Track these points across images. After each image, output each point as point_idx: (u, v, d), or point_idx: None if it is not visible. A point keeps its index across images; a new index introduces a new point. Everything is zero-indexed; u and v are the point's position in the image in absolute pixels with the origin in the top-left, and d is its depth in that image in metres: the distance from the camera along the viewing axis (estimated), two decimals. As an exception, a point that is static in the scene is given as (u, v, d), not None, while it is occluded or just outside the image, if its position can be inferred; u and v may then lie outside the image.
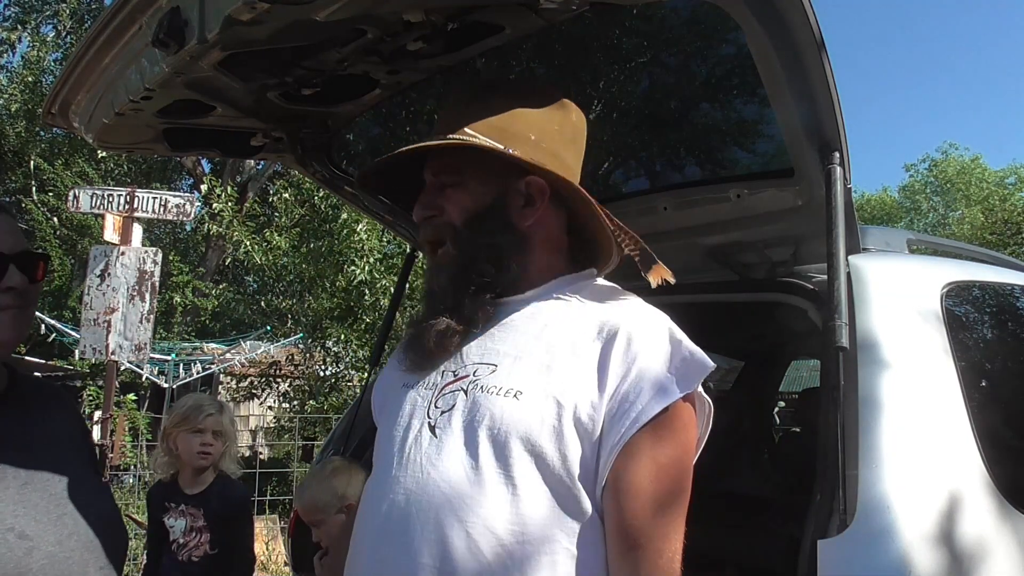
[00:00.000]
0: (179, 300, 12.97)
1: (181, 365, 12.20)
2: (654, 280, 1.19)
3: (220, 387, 13.01)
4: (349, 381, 9.09)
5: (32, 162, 15.33)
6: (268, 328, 11.71)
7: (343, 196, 2.27)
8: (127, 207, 5.25)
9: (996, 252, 3.02)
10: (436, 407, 1.09)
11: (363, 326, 8.20)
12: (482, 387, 1.07)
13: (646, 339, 1.05)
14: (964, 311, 1.80)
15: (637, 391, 1.01)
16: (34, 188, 15.25)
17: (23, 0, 15.64)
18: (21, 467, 1.12)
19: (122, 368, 8.90)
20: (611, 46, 1.89)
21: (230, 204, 9.38)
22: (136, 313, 5.07)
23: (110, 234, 5.19)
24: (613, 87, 1.99)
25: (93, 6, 15.28)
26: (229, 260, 15.73)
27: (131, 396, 9.66)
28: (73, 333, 9.82)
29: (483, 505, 0.99)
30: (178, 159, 15.86)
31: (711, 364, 1.06)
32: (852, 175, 1.51)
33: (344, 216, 7.97)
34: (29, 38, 15.28)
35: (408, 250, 2.58)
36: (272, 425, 11.81)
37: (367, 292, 7.95)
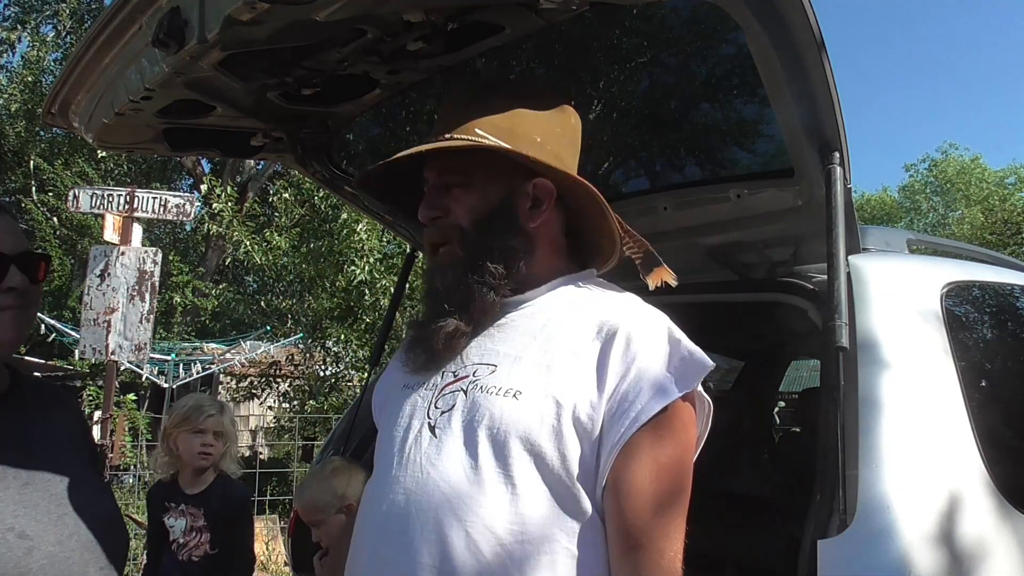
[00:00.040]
0: (179, 300, 12.96)
1: (181, 365, 12.19)
2: (652, 283, 1.20)
3: (220, 387, 13.01)
4: (349, 381, 9.09)
5: (32, 162, 15.32)
6: (268, 328, 11.70)
7: (343, 196, 2.27)
8: (127, 207, 5.25)
9: (996, 252, 3.02)
10: (436, 407, 1.09)
11: (363, 326, 8.20)
12: (482, 387, 1.07)
13: (645, 339, 1.05)
14: (964, 311, 1.80)
15: (636, 390, 1.01)
16: (34, 188, 15.25)
17: (23, 0, 15.64)
18: (22, 467, 1.12)
19: (122, 368, 8.90)
20: (611, 46, 1.89)
21: (230, 204, 9.38)
22: (136, 313, 5.07)
23: (110, 234, 5.19)
24: (613, 87, 1.99)
25: (93, 6, 15.28)
26: (229, 260, 15.73)
27: (131, 396, 9.66)
28: (73, 333, 9.82)
29: (482, 505, 0.99)
30: (178, 159, 15.85)
31: (710, 363, 1.06)
32: (852, 175, 1.51)
33: (344, 216, 7.97)
34: (29, 38, 15.28)
35: (408, 250, 2.58)
36: (272, 425, 11.81)
37: (367, 292, 7.94)
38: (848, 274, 1.46)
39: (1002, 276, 2.05)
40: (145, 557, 2.55)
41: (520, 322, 1.13)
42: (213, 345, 13.94)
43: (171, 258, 11.95)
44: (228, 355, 12.77)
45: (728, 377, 4.40)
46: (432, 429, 1.07)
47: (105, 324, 5.01)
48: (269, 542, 6.28)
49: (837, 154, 1.44)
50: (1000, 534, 1.31)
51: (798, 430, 5.04)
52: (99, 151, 12.41)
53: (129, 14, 1.33)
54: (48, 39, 15.43)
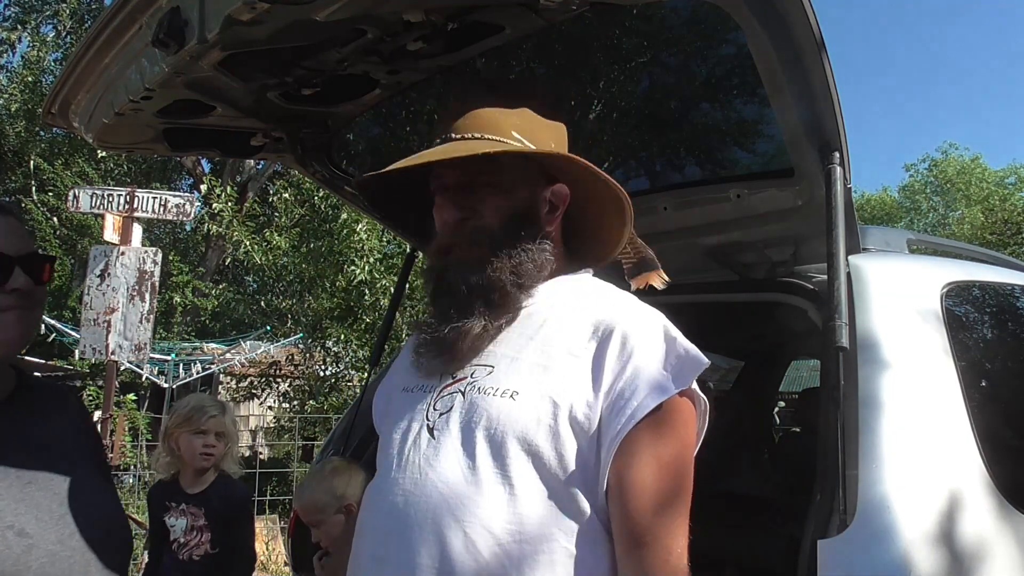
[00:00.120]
0: (179, 300, 12.96)
1: (181, 365, 12.20)
2: (635, 285, 1.21)
3: (220, 387, 13.01)
4: (349, 381, 9.09)
5: (32, 162, 15.33)
6: (268, 328, 11.70)
7: (343, 196, 2.27)
8: (127, 207, 5.26)
9: (996, 252, 3.02)
10: (435, 409, 1.09)
11: (363, 326, 8.20)
12: (479, 388, 1.07)
13: (641, 337, 1.06)
14: (964, 311, 1.80)
15: (632, 388, 1.02)
16: (34, 188, 15.25)
17: (23, 0, 15.65)
18: (25, 467, 1.13)
19: (122, 368, 8.90)
20: (611, 46, 1.89)
21: (230, 204, 9.37)
22: (136, 313, 5.07)
23: (110, 234, 5.19)
24: (613, 87, 1.99)
25: (93, 6, 15.28)
26: (229, 260, 15.73)
27: (131, 396, 9.65)
28: (73, 333, 9.83)
29: (480, 505, 0.99)
30: (178, 159, 15.86)
31: (706, 361, 1.06)
32: (852, 175, 1.51)
33: (344, 216, 7.96)
34: (29, 38, 15.28)
35: (408, 250, 2.58)
36: (272, 425, 11.81)
37: (367, 292, 7.94)
38: (848, 274, 1.46)
39: (1002, 276, 2.05)
40: (146, 557, 2.55)
41: (517, 322, 1.13)
42: (213, 345, 13.94)
43: (171, 258, 11.94)
44: (228, 355, 12.78)
45: (728, 377, 4.40)
46: (431, 431, 1.07)
47: (105, 324, 5.01)
48: (269, 542, 6.28)
49: (837, 154, 1.44)
50: (1000, 534, 1.31)
51: (798, 430, 5.04)
52: (99, 151, 12.41)
53: (129, 14, 1.33)
54: (48, 39, 15.43)
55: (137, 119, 1.64)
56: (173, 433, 2.39)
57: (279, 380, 10.65)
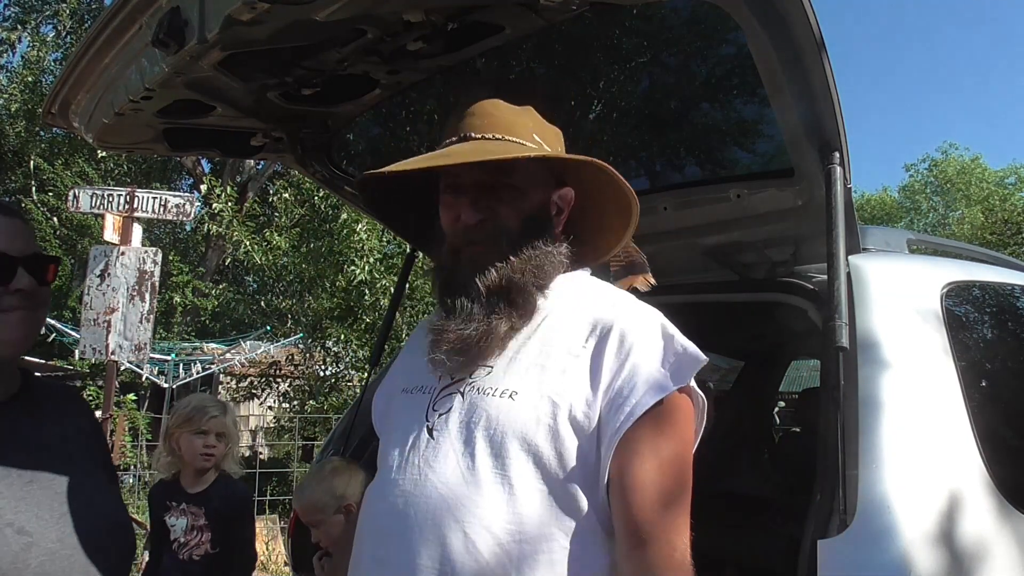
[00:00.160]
0: (179, 300, 12.96)
1: (181, 365, 12.19)
2: (620, 287, 1.22)
3: (220, 387, 13.00)
4: (349, 381, 9.09)
5: (32, 162, 15.33)
6: (268, 328, 11.70)
7: (343, 196, 2.27)
8: (127, 207, 5.25)
9: (996, 252, 3.02)
10: (434, 410, 1.10)
11: (363, 326, 8.20)
12: (478, 389, 1.07)
13: (639, 335, 1.06)
14: (964, 311, 1.80)
15: (631, 386, 1.02)
16: (34, 188, 15.26)
17: (23, 0, 15.65)
18: (28, 466, 1.14)
19: (122, 368, 8.89)
20: (611, 46, 1.89)
21: (230, 204, 9.37)
22: (136, 313, 5.07)
23: (110, 234, 5.19)
24: (613, 87, 1.99)
25: (93, 6, 15.28)
26: (229, 260, 15.73)
27: (131, 396, 9.64)
28: (73, 333, 9.83)
29: (480, 506, 0.99)
30: (178, 159, 15.85)
31: (704, 358, 1.07)
32: (852, 175, 1.51)
33: (344, 216, 7.96)
34: (29, 38, 15.28)
35: (408, 250, 2.58)
36: (272, 425, 11.81)
37: (367, 292, 7.94)
38: (848, 274, 1.46)
39: (1002, 276, 2.05)
40: (146, 556, 2.55)
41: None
42: (213, 345, 13.94)
43: (171, 258, 11.93)
44: (228, 355, 12.77)
45: (728, 377, 4.40)
46: (430, 432, 1.07)
47: (105, 324, 5.01)
48: (269, 542, 6.28)
49: (837, 154, 1.44)
50: (1000, 534, 1.31)
51: (798, 430, 5.04)
52: (99, 151, 12.40)
53: (129, 14, 1.33)
54: (48, 39, 15.43)
55: (137, 119, 1.64)
56: (174, 433, 2.39)
57: (279, 380, 10.64)
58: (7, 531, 1.06)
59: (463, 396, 1.08)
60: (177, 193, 7.14)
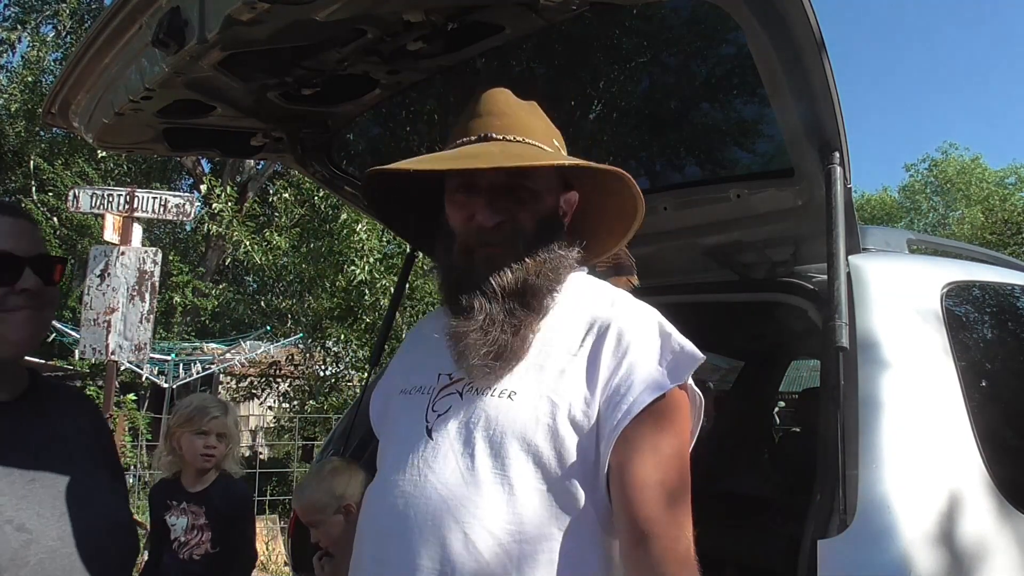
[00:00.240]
0: (179, 300, 12.95)
1: (181, 365, 12.18)
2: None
3: (220, 387, 13.00)
4: (349, 381, 9.09)
5: (32, 162, 15.32)
6: (268, 328, 11.70)
7: (343, 196, 2.27)
8: (127, 207, 5.25)
9: (996, 252, 3.02)
10: (433, 411, 1.09)
11: (363, 326, 8.20)
12: (477, 389, 1.07)
13: (637, 334, 1.06)
14: (964, 311, 1.80)
15: (628, 384, 1.02)
16: (34, 188, 15.25)
17: (23, 0, 15.65)
18: (31, 465, 1.14)
19: (122, 368, 8.89)
20: (611, 46, 1.89)
21: (230, 204, 9.37)
22: (136, 313, 5.07)
23: (110, 234, 5.19)
24: (613, 87, 1.99)
25: (93, 6, 15.28)
26: (229, 260, 15.73)
27: (131, 396, 9.62)
28: (73, 333, 9.82)
29: (480, 506, 1.00)
30: (178, 159, 15.85)
31: (701, 356, 1.07)
32: (852, 175, 1.51)
33: (344, 216, 7.96)
34: (29, 38, 15.27)
35: (408, 250, 2.58)
36: (272, 425, 11.81)
37: (367, 292, 7.94)
38: (848, 274, 1.46)
39: (1002, 276, 2.05)
40: (146, 555, 2.55)
41: None
42: (213, 345, 13.93)
43: (171, 258, 11.92)
44: (228, 355, 12.77)
45: (728, 377, 4.40)
46: (429, 433, 1.07)
47: (105, 324, 5.00)
48: (269, 542, 6.29)
49: (837, 154, 1.44)
50: (1000, 534, 1.31)
51: (798, 430, 5.04)
52: (99, 151, 12.40)
53: (129, 14, 1.33)
54: (48, 39, 15.42)
55: (137, 119, 1.64)
56: (175, 432, 2.39)
57: (279, 380, 10.64)
58: (6, 528, 1.06)
59: (462, 397, 1.08)
60: (177, 193, 7.14)
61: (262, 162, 13.06)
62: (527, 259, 1.10)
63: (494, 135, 1.12)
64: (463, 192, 1.12)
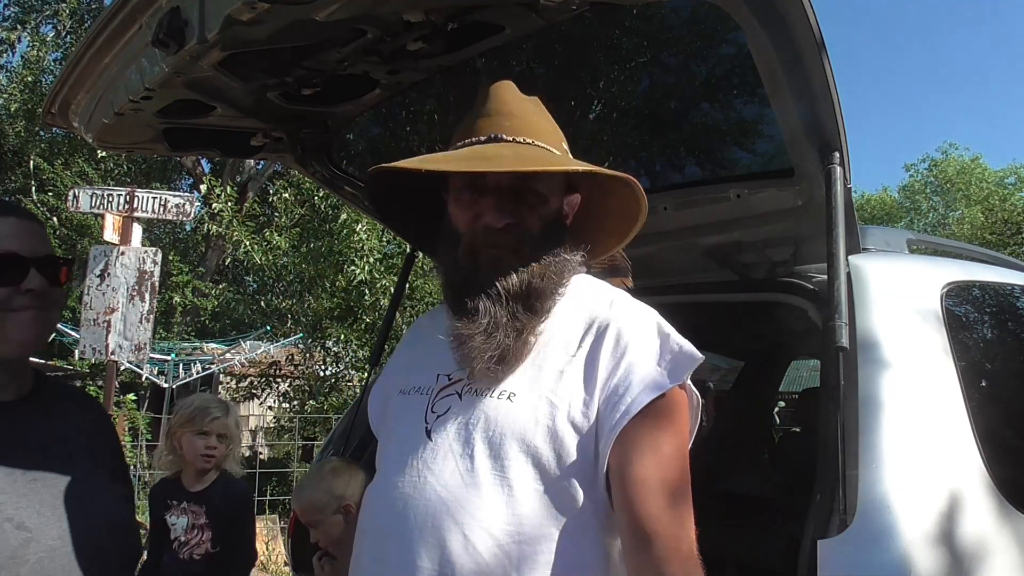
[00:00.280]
0: (179, 300, 12.95)
1: (181, 365, 12.19)
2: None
3: (220, 387, 13.00)
4: (349, 381, 9.09)
5: (32, 162, 15.32)
6: (268, 328, 11.70)
7: (343, 196, 2.27)
8: (127, 207, 5.25)
9: (996, 252, 3.02)
10: (432, 412, 1.09)
11: (363, 326, 8.20)
12: (476, 390, 1.07)
13: (635, 334, 1.07)
14: (964, 311, 1.80)
15: (627, 384, 1.02)
16: (34, 188, 15.24)
17: (23, 0, 15.64)
18: (33, 465, 1.15)
19: (122, 368, 8.89)
20: (611, 46, 1.89)
21: (230, 204, 9.37)
22: (136, 313, 5.07)
23: (110, 234, 5.19)
24: (613, 87, 2.00)
25: (93, 6, 15.27)
26: (229, 260, 15.73)
27: (131, 396, 9.63)
28: (73, 333, 9.81)
29: (479, 507, 1.00)
30: (178, 159, 15.85)
31: (700, 356, 1.07)
32: (852, 175, 1.51)
33: (344, 216, 7.97)
34: (29, 38, 15.27)
35: (408, 250, 2.58)
36: (272, 425, 11.81)
37: (367, 292, 7.94)
38: (848, 274, 1.46)
39: (1002, 276, 2.05)
40: (144, 555, 2.55)
41: None
42: (213, 345, 13.93)
43: (171, 258, 11.92)
44: (228, 355, 12.77)
45: (728, 377, 4.40)
46: (428, 433, 1.07)
47: (105, 324, 5.00)
48: (269, 542, 6.29)
49: (837, 154, 1.44)
50: (1000, 534, 1.31)
51: (798, 430, 5.04)
52: (99, 151, 12.40)
53: (129, 14, 1.33)
54: (48, 39, 15.42)
55: (137, 119, 1.64)
56: (176, 432, 2.39)
57: (279, 380, 10.64)
58: (6, 526, 1.07)
59: (461, 397, 1.08)
60: (177, 193, 7.13)
61: (262, 162, 13.06)
62: (532, 262, 1.09)
63: (504, 136, 1.11)
64: (469, 192, 1.11)
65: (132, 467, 7.61)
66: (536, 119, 1.16)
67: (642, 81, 2.02)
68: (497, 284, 1.07)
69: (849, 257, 1.52)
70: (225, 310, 12.48)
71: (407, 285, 2.78)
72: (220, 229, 9.46)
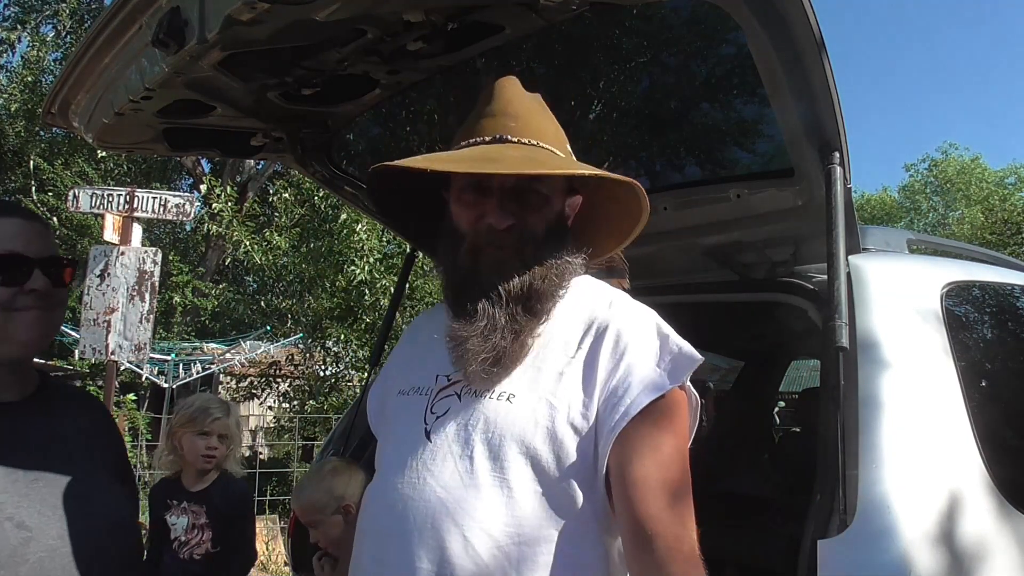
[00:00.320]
0: (179, 300, 12.95)
1: (181, 365, 12.19)
2: None
3: (220, 387, 13.00)
4: (349, 381, 9.09)
5: (32, 162, 15.31)
6: (268, 328, 11.70)
7: (343, 196, 2.27)
8: (127, 207, 5.25)
9: (996, 252, 3.02)
10: (432, 412, 1.09)
11: (363, 326, 8.20)
12: (475, 391, 1.07)
13: (634, 334, 1.07)
14: (964, 311, 1.80)
15: (626, 386, 1.02)
16: (34, 188, 15.24)
17: (23, 0, 15.64)
18: (35, 465, 1.16)
19: (122, 368, 8.89)
20: (611, 46, 1.89)
21: (230, 204, 9.37)
22: (136, 313, 5.06)
23: (110, 234, 5.19)
24: (613, 87, 2.00)
25: (93, 6, 15.27)
26: (229, 260, 15.73)
27: (131, 396, 9.62)
28: (73, 333, 9.81)
29: (479, 509, 1.00)
30: (178, 159, 15.85)
31: (699, 358, 1.07)
32: (852, 175, 1.51)
33: (344, 216, 7.96)
34: (29, 38, 15.27)
35: (408, 250, 2.58)
36: (272, 425, 11.81)
37: (367, 292, 7.94)
38: (848, 274, 1.46)
39: (1002, 276, 2.05)
40: (144, 555, 2.55)
41: None
42: (213, 345, 13.93)
43: (171, 258, 11.92)
44: (228, 355, 12.77)
45: (728, 377, 4.40)
46: (427, 434, 1.07)
47: (105, 324, 5.00)
48: (269, 542, 6.29)
49: (837, 154, 1.44)
50: (1000, 534, 1.31)
51: (798, 430, 5.04)
52: (99, 151, 12.40)
53: (129, 14, 1.33)
54: (48, 39, 15.42)
55: (137, 119, 1.64)
56: (177, 432, 2.39)
57: (279, 380, 10.64)
58: (6, 525, 1.07)
59: (460, 399, 1.08)
60: (177, 193, 7.12)
61: (262, 162, 13.06)
62: (534, 264, 1.09)
63: (509, 137, 1.11)
64: (472, 192, 1.10)
65: (132, 467, 7.62)
66: (541, 120, 1.15)
67: (642, 81, 2.02)
68: (498, 285, 1.07)
69: (849, 257, 1.52)
70: (225, 310, 12.48)
71: (407, 285, 2.78)
72: (220, 229, 9.46)
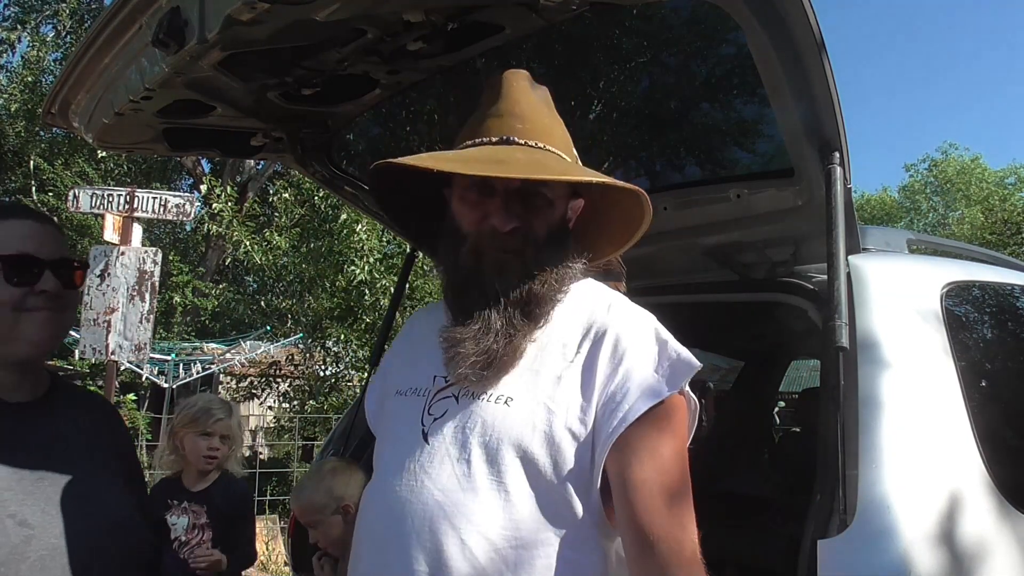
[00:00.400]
0: (179, 300, 12.95)
1: (181, 365, 12.19)
2: None
3: (220, 387, 13.00)
4: (349, 381, 9.09)
5: (32, 162, 15.31)
6: (268, 328, 11.70)
7: (343, 196, 2.27)
8: (127, 207, 5.25)
9: (996, 252, 3.02)
10: (429, 414, 1.09)
11: (363, 326, 8.20)
12: (473, 394, 1.07)
13: (633, 339, 1.06)
14: (964, 311, 1.80)
15: (624, 391, 1.02)
16: (34, 188, 15.24)
17: (23, 0, 15.64)
18: (41, 464, 1.16)
19: (122, 368, 8.89)
20: (611, 46, 1.89)
21: (230, 204, 9.37)
22: (136, 313, 5.06)
23: (110, 234, 5.19)
24: (613, 87, 2.00)
25: (93, 6, 15.27)
26: (229, 260, 15.72)
27: (131, 396, 9.63)
28: (73, 333, 9.81)
29: (476, 512, 0.99)
30: (178, 159, 15.85)
31: (697, 364, 1.06)
32: (852, 175, 1.51)
33: (344, 216, 7.96)
34: (29, 38, 15.27)
35: (408, 250, 2.58)
36: (272, 425, 11.81)
37: (367, 292, 7.94)
38: (848, 274, 1.46)
39: (1002, 276, 2.05)
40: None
41: None
42: (213, 345, 13.93)
43: (171, 258, 11.92)
44: (228, 355, 12.77)
45: (728, 377, 4.40)
46: (425, 437, 1.07)
47: (105, 324, 5.00)
48: (269, 542, 6.28)
49: (837, 154, 1.44)
50: (1000, 534, 1.31)
51: (798, 430, 5.04)
52: (99, 151, 12.40)
53: (129, 14, 1.33)
54: (48, 39, 15.41)
55: (137, 119, 1.64)
56: (178, 432, 2.39)
57: (279, 380, 10.64)
58: (8, 522, 1.08)
59: (458, 400, 1.08)
60: (177, 193, 7.13)
61: (262, 162, 13.06)
62: (535, 268, 1.09)
63: (516, 139, 1.09)
64: (476, 192, 1.09)
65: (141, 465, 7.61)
66: (548, 122, 1.15)
67: (642, 81, 2.02)
68: (498, 288, 1.07)
69: (849, 257, 1.52)
70: (225, 310, 12.48)
71: (407, 285, 2.78)
72: (220, 229, 9.46)
